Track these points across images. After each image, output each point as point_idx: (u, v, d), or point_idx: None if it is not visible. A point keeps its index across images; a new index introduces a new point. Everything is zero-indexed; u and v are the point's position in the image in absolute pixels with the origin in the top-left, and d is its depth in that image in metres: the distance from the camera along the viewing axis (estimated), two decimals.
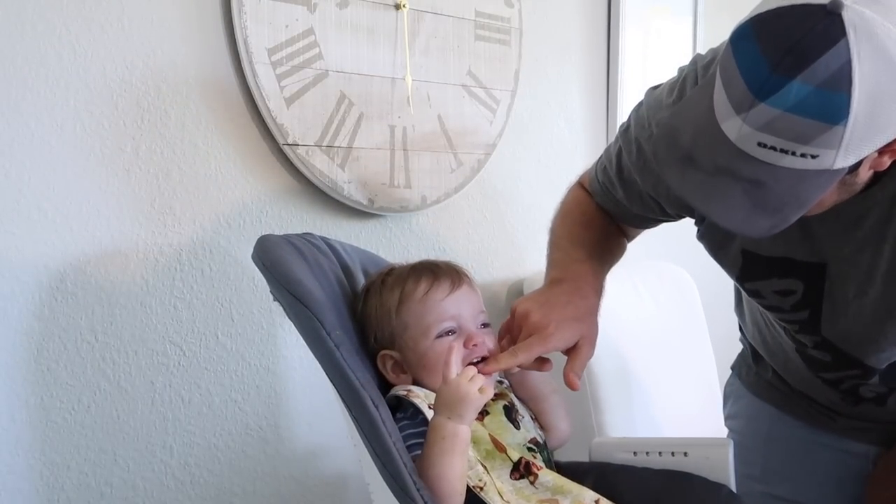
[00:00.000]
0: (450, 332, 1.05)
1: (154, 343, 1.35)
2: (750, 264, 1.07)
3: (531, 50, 1.81)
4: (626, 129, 1.13)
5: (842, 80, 0.74)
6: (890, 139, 0.80)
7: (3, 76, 1.19)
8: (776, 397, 1.26)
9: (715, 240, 1.09)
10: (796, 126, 0.77)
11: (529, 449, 1.02)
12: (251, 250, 1.04)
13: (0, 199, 1.20)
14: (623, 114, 1.87)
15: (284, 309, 0.99)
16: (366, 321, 1.09)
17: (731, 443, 1.11)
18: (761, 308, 1.16)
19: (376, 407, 0.92)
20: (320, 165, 1.46)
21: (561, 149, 1.93)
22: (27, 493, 1.24)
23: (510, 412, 1.04)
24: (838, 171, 0.80)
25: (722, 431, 1.38)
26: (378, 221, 1.60)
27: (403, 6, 1.54)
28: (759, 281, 1.08)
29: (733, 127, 0.81)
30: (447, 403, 0.93)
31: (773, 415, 1.26)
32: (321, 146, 1.46)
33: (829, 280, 1.02)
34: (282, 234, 1.11)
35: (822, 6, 0.75)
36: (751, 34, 0.79)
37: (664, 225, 1.22)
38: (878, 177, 0.92)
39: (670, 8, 2.11)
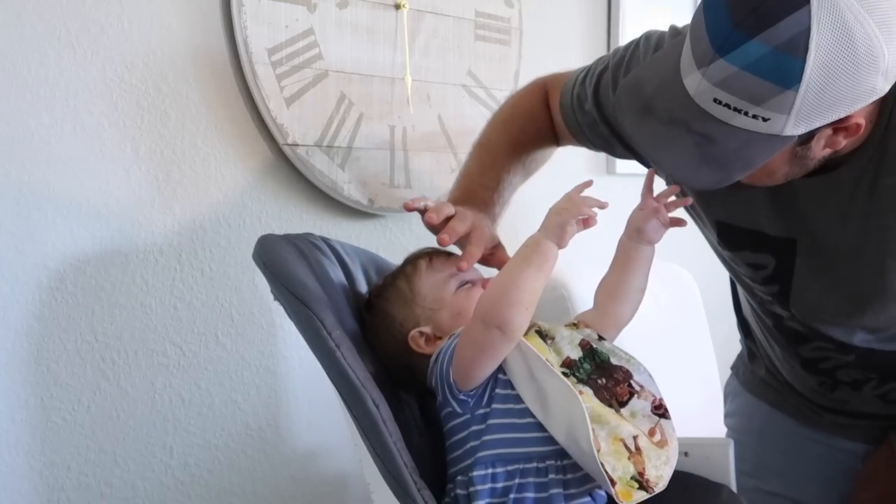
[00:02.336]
0: (464, 283, 1.06)
1: (154, 343, 1.35)
2: (726, 233, 1.10)
3: (531, 50, 1.81)
4: (622, 52, 1.17)
5: (798, 46, 0.77)
6: (841, 116, 0.82)
7: (3, 76, 1.19)
8: (769, 395, 1.28)
9: (693, 210, 1.13)
10: (751, 85, 0.80)
11: (570, 364, 0.99)
12: (251, 250, 1.04)
13: (0, 199, 1.20)
14: None
15: (285, 308, 0.99)
16: (380, 322, 1.06)
17: (732, 443, 1.11)
18: (741, 286, 1.19)
19: (377, 406, 0.92)
20: (320, 165, 1.46)
21: (561, 149, 1.93)
22: (27, 494, 1.23)
23: (542, 335, 1.02)
24: (787, 138, 0.82)
25: (722, 431, 1.38)
26: (378, 221, 1.60)
27: (403, 6, 1.54)
28: (736, 251, 1.11)
29: (693, 81, 0.84)
30: (550, 214, 1.00)
31: (767, 412, 1.28)
32: (321, 146, 1.46)
33: (799, 256, 1.04)
34: (282, 234, 1.11)
35: None
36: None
37: None
38: (844, 158, 0.94)
39: (670, 8, 2.11)
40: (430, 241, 1.68)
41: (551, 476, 0.92)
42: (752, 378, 1.32)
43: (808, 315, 1.08)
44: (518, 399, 0.95)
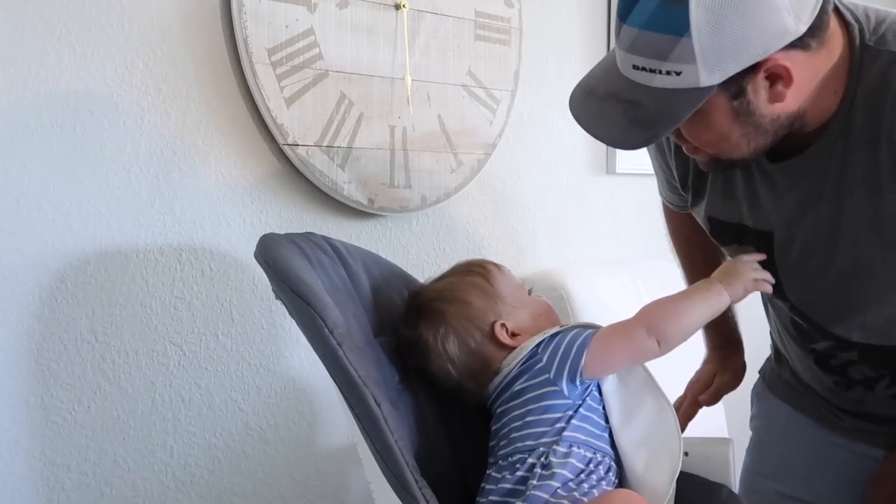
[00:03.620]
0: (529, 291, 1.16)
1: (154, 343, 1.35)
2: (715, 229, 1.14)
3: (531, 50, 1.81)
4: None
5: None
6: (757, 59, 0.85)
7: (3, 76, 1.19)
8: (793, 397, 1.27)
9: (693, 205, 1.18)
10: (652, 42, 0.86)
11: None
12: (251, 250, 1.04)
13: (0, 199, 1.20)
14: None
15: (286, 307, 0.99)
16: (457, 309, 1.09)
17: (732, 442, 1.11)
18: None
19: (378, 405, 0.92)
20: (320, 165, 1.46)
21: (561, 149, 1.93)
22: (27, 493, 1.23)
23: None
24: (707, 88, 0.86)
25: (722, 432, 1.38)
26: (378, 221, 1.60)
27: (403, 6, 1.54)
28: (727, 245, 1.15)
29: (619, 56, 0.91)
30: (727, 272, 1.05)
31: (790, 414, 1.27)
32: (321, 146, 1.46)
33: (777, 247, 1.06)
34: (283, 233, 1.11)
35: None
36: None
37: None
38: (815, 136, 0.96)
39: None
40: (431, 240, 1.68)
41: (610, 474, 1.01)
42: (778, 381, 1.31)
43: (805, 305, 1.09)
44: (601, 404, 1.05)
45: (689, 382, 1.37)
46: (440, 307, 1.09)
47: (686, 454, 1.09)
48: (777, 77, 0.88)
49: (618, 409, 1.04)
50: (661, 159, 1.21)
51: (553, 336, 1.05)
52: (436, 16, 1.61)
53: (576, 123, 0.95)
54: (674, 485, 0.99)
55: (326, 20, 1.46)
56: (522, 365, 1.05)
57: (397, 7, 1.54)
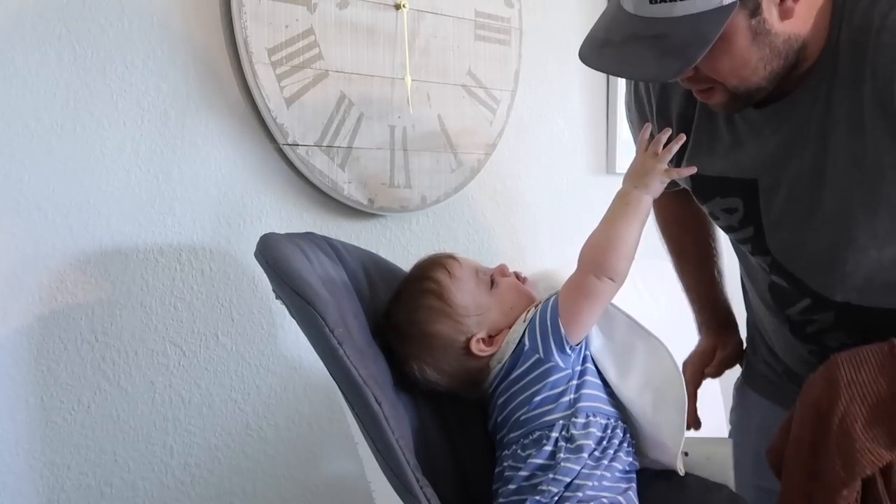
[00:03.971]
0: (490, 280, 1.12)
1: (154, 343, 1.35)
2: (698, 185, 1.15)
3: (531, 50, 1.81)
4: None
5: None
6: None
7: (3, 76, 1.19)
8: (768, 388, 1.29)
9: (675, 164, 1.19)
10: None
11: None
12: (251, 250, 1.04)
13: (0, 199, 1.20)
14: (623, 113, 1.87)
15: (287, 306, 0.99)
16: (425, 345, 1.07)
17: (732, 442, 1.11)
18: (730, 241, 1.25)
19: (379, 404, 0.92)
20: (320, 165, 1.46)
21: (561, 149, 1.93)
22: (27, 493, 1.23)
23: None
24: (730, 5, 0.88)
25: (722, 431, 1.38)
26: (378, 221, 1.60)
27: (403, 6, 1.54)
28: (709, 201, 1.16)
29: (629, 1, 0.92)
30: (635, 173, 1.05)
31: (766, 408, 1.28)
32: (321, 146, 1.46)
33: (762, 194, 1.07)
34: (283, 233, 1.11)
35: None
36: None
37: None
38: (800, 80, 0.98)
39: None
40: (431, 240, 1.68)
41: (627, 436, 1.04)
42: (753, 373, 1.34)
43: (787, 256, 1.10)
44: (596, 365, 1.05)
45: (690, 355, 1.37)
46: (407, 349, 1.08)
47: (686, 454, 1.09)
48: None
49: (612, 364, 1.04)
50: (642, 126, 1.20)
51: (530, 322, 1.05)
52: (436, 16, 1.61)
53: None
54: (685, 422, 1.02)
55: (326, 20, 1.46)
56: (512, 357, 1.05)
57: (397, 7, 1.54)
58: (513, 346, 1.06)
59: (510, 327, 1.07)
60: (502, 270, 1.14)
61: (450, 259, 1.13)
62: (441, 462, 1.06)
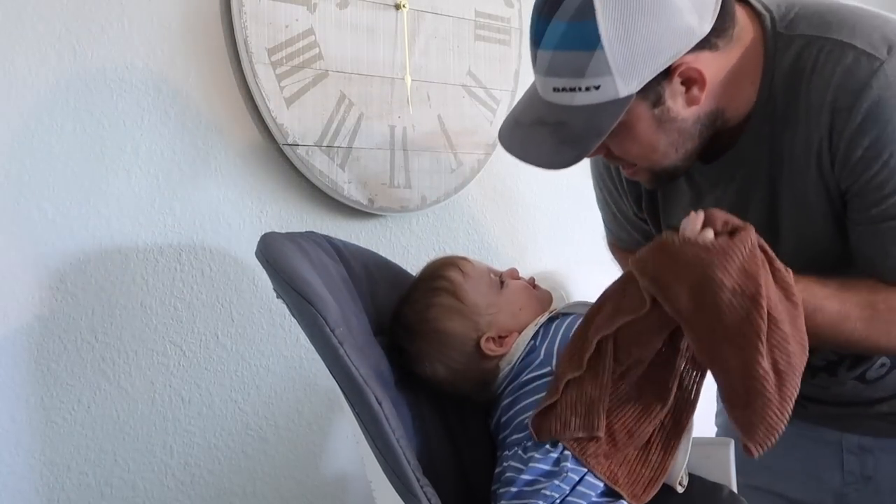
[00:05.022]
0: (500, 281, 1.12)
1: (154, 343, 1.34)
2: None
3: None
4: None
5: (586, 10, 0.86)
6: (670, 62, 0.88)
7: (3, 76, 1.19)
8: None
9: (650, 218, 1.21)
10: (567, 61, 0.89)
11: None
12: (251, 250, 1.04)
13: (0, 199, 1.20)
14: None
15: (287, 306, 0.99)
16: (437, 342, 1.08)
17: (732, 442, 1.11)
18: None
19: (380, 403, 0.92)
20: (320, 165, 1.46)
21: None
22: (27, 494, 1.23)
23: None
24: (626, 98, 0.89)
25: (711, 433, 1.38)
26: (378, 221, 1.60)
27: (403, 6, 1.54)
28: None
29: (538, 82, 0.95)
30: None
31: None
32: (321, 146, 1.46)
33: None
34: (284, 233, 1.11)
35: None
36: (535, 1, 0.93)
37: None
38: (743, 127, 0.99)
39: None
40: (431, 240, 1.68)
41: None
42: None
43: None
44: None
45: None
46: (418, 346, 1.08)
47: None
48: (691, 81, 0.91)
49: None
50: (612, 192, 1.23)
51: (547, 325, 1.05)
52: (436, 16, 1.61)
53: None
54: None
55: (326, 20, 1.46)
56: (522, 360, 1.05)
57: (397, 7, 1.54)
58: (522, 349, 1.06)
59: (519, 330, 1.07)
60: (512, 273, 1.14)
61: (462, 260, 1.14)
62: (442, 461, 1.05)
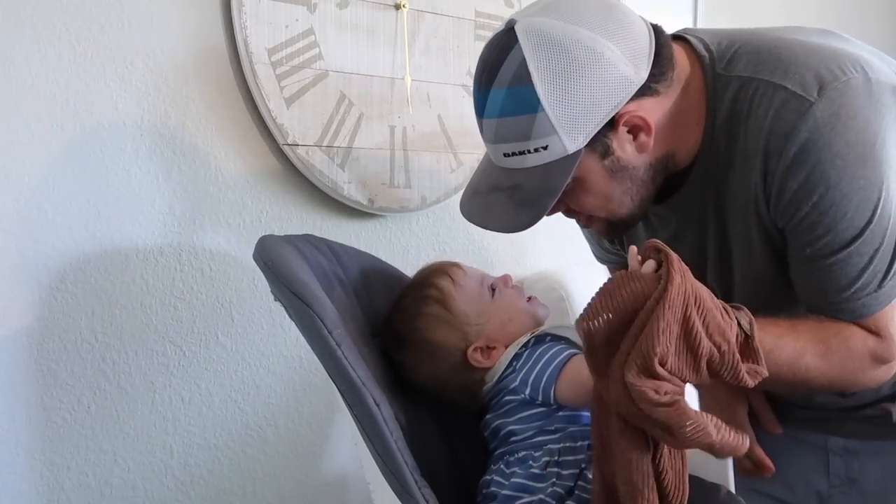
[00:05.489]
0: (491, 288, 1.11)
1: (154, 343, 1.35)
2: None
3: None
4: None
5: (523, 75, 0.88)
6: (612, 114, 0.90)
7: (3, 76, 1.19)
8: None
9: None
10: (512, 126, 0.91)
11: None
12: (251, 250, 1.04)
13: (0, 199, 1.20)
14: None
15: (286, 308, 0.99)
16: (426, 353, 1.08)
17: None
18: None
19: (378, 405, 0.92)
20: (320, 165, 1.46)
21: None
22: (27, 493, 1.24)
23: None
24: (575, 154, 0.91)
25: None
26: (378, 221, 1.60)
27: (403, 6, 1.54)
28: None
29: (490, 151, 0.97)
30: None
31: None
32: (321, 146, 1.46)
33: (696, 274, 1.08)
34: (282, 234, 1.11)
35: (503, 27, 0.92)
36: (473, 76, 0.96)
37: None
38: (691, 169, 1.00)
39: (670, 8, 2.11)
40: (431, 240, 1.68)
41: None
42: None
43: None
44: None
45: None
46: (407, 356, 1.09)
47: None
48: (637, 128, 0.93)
49: None
50: (583, 227, 1.23)
51: (534, 347, 1.03)
52: (436, 16, 1.61)
53: None
54: None
55: (326, 20, 1.46)
56: (502, 380, 1.05)
57: (397, 7, 1.54)
58: (503, 368, 1.05)
59: (506, 343, 1.07)
60: (505, 280, 1.13)
61: (453, 266, 1.13)
62: (440, 462, 1.06)
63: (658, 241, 0.87)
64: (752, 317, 0.87)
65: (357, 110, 1.50)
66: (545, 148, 0.90)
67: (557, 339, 1.06)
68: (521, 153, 0.92)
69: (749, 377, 0.83)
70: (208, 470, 1.41)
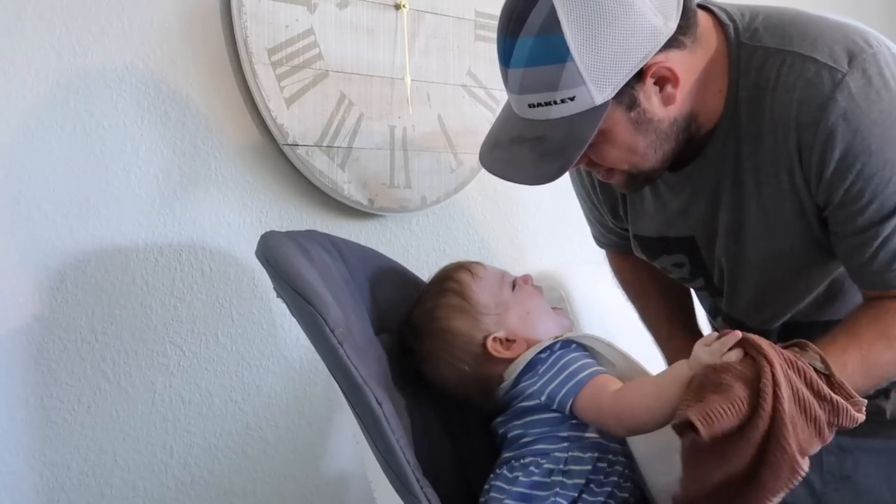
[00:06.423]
0: (512, 283, 1.12)
1: (154, 343, 1.34)
2: (643, 247, 1.17)
3: None
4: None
5: (552, 23, 0.86)
6: (641, 65, 0.89)
7: (3, 76, 1.19)
8: None
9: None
10: (539, 76, 0.89)
11: None
12: (251, 250, 1.04)
13: (0, 199, 1.20)
14: None
15: (287, 305, 0.99)
16: (443, 341, 1.08)
17: None
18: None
19: (380, 404, 0.92)
20: (320, 165, 1.46)
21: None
22: (27, 493, 1.23)
23: None
24: (603, 105, 0.89)
25: None
26: (378, 221, 1.60)
27: (403, 6, 1.54)
28: (657, 258, 1.17)
29: (512, 101, 0.95)
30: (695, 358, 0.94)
31: None
32: (321, 146, 1.46)
33: (703, 249, 1.09)
34: (284, 231, 1.10)
35: None
36: (498, 23, 0.93)
37: None
38: (709, 137, 0.99)
39: None
40: (431, 240, 1.68)
41: (626, 471, 1.01)
42: None
43: (732, 306, 1.13)
44: None
45: None
46: (426, 346, 1.09)
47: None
48: (664, 80, 0.92)
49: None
50: (588, 199, 1.24)
51: (560, 353, 1.03)
52: (436, 16, 1.61)
53: None
54: None
55: (326, 20, 1.46)
56: (521, 382, 1.04)
57: (397, 7, 1.54)
58: (523, 366, 1.04)
59: (527, 337, 1.06)
60: (525, 279, 1.14)
61: (474, 263, 1.14)
62: (443, 461, 1.05)
63: (740, 332, 0.88)
64: (820, 353, 0.89)
65: (357, 110, 1.50)
66: (572, 99, 0.89)
67: (583, 348, 1.04)
68: (548, 104, 0.90)
69: (858, 413, 0.87)
70: (208, 470, 1.41)
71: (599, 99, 0.88)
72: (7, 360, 1.21)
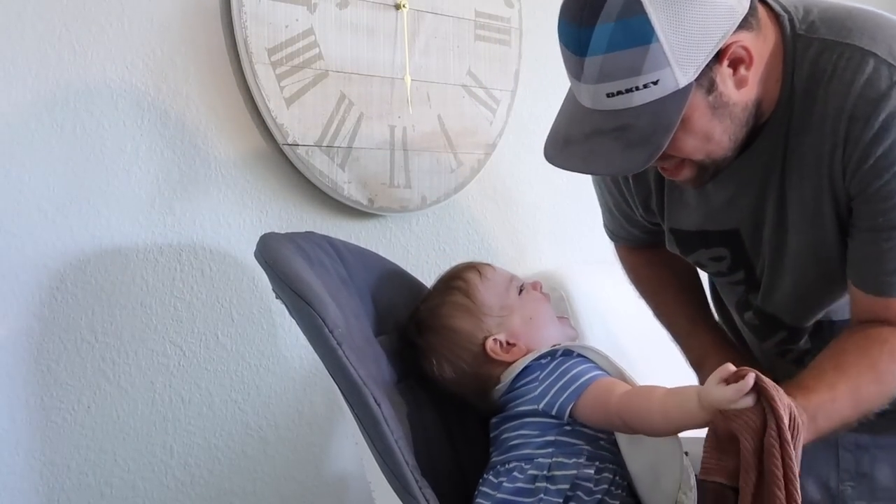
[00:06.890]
0: (520, 287, 1.11)
1: (154, 343, 1.35)
2: (679, 241, 1.15)
3: (531, 50, 1.81)
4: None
5: (633, 5, 0.84)
6: (720, 45, 0.87)
7: (3, 76, 1.19)
8: None
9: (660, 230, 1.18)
10: (621, 61, 0.86)
11: None
12: (251, 250, 1.04)
13: (0, 199, 1.20)
14: None
15: (287, 306, 0.99)
16: (445, 338, 1.08)
17: None
18: (716, 283, 1.24)
19: (378, 405, 0.92)
20: (320, 165, 1.46)
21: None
22: (27, 494, 1.23)
23: None
24: (686, 88, 0.87)
25: None
26: (378, 221, 1.60)
27: (403, 6, 1.54)
28: (693, 253, 1.15)
29: (584, 94, 0.90)
30: (712, 398, 0.89)
31: None
32: (321, 146, 1.46)
33: (747, 240, 1.08)
34: (283, 233, 1.11)
35: None
36: (561, 15, 0.90)
37: None
38: (761, 129, 0.98)
39: None
40: (431, 240, 1.68)
41: (616, 478, 1.00)
42: None
43: (767, 299, 1.11)
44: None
45: None
46: (428, 341, 1.09)
47: (687, 454, 1.08)
48: (738, 61, 0.90)
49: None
50: (617, 192, 1.19)
51: (560, 361, 1.02)
52: (436, 16, 1.61)
53: None
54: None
55: (326, 20, 1.46)
56: (519, 386, 1.04)
57: (397, 7, 1.54)
58: (520, 369, 1.04)
59: (528, 342, 1.06)
60: (535, 285, 1.13)
61: (484, 264, 1.14)
62: (441, 462, 1.05)
63: (754, 374, 0.86)
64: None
65: (357, 110, 1.50)
66: (655, 83, 0.86)
67: (584, 358, 1.04)
68: (629, 91, 0.86)
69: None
70: (208, 470, 1.41)
71: (683, 81, 0.86)
72: (7, 360, 1.21)
